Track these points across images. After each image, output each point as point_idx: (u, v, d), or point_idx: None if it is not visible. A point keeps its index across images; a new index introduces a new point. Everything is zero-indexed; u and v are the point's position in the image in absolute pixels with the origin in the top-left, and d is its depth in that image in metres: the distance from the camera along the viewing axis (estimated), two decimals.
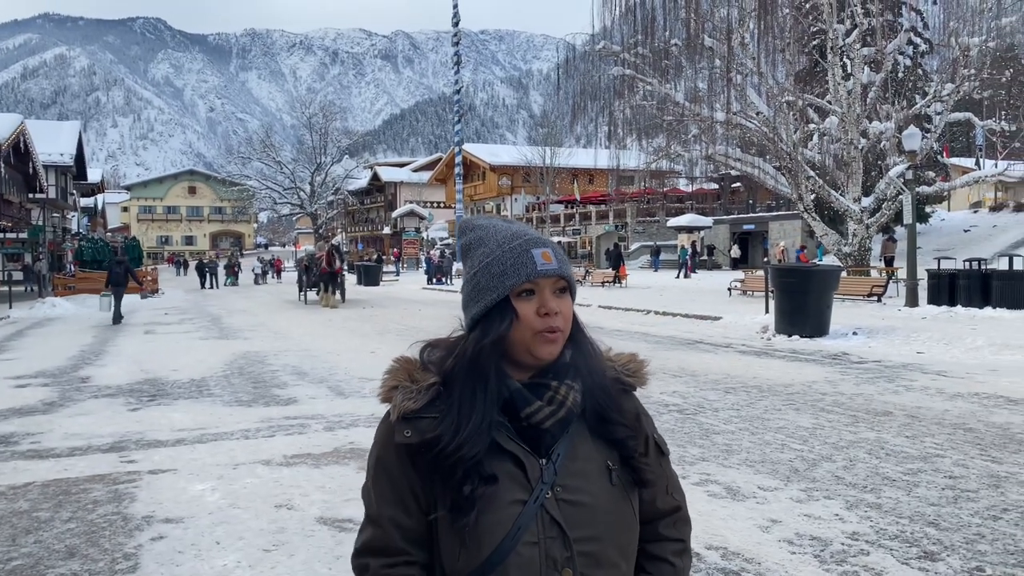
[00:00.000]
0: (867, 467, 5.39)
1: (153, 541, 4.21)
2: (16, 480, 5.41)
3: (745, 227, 43.70)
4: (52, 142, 43.79)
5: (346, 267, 25.08)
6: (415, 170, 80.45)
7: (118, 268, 20.31)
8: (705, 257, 41.62)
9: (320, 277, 23.82)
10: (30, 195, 39.98)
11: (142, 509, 4.75)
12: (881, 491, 4.86)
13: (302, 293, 26.56)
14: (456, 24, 50.99)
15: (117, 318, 19.43)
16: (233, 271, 46.00)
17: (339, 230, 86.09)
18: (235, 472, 5.53)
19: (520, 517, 1.23)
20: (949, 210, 45.39)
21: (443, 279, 37.42)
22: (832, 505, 4.61)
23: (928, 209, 38.18)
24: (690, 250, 37.63)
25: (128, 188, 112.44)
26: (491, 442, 1.24)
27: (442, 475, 1.24)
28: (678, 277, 34.19)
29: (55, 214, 47.71)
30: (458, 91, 54.20)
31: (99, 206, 70.67)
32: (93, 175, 60.89)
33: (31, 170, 36.84)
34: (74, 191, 52.54)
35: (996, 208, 43.80)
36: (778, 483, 5.07)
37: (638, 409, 1.38)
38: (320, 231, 76.08)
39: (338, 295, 23.81)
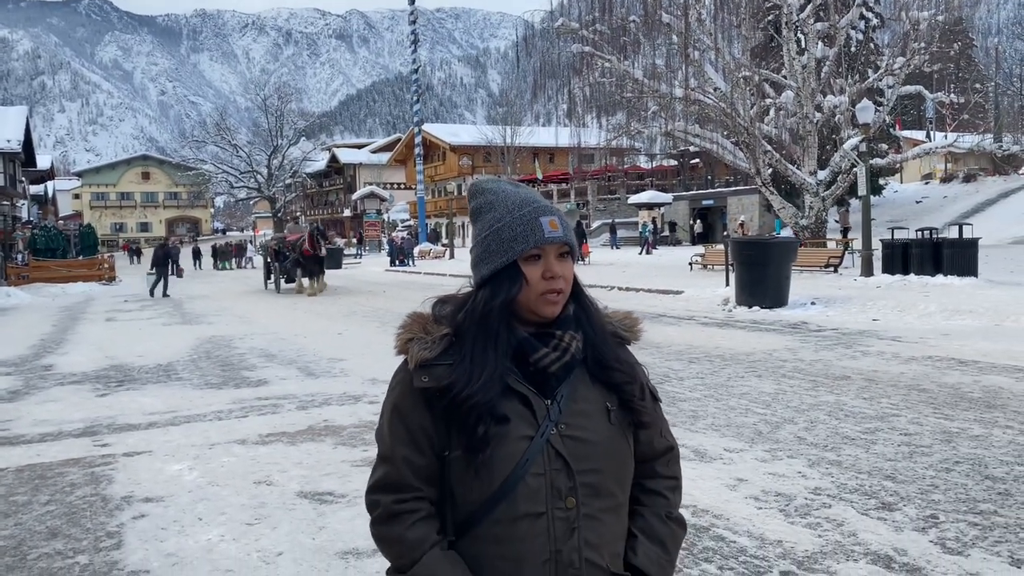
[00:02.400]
0: (827, 428, 5.62)
1: (135, 519, 4.25)
2: None
3: (704, 203, 44.18)
4: None
5: (324, 251, 22.38)
6: (374, 151, 79.76)
7: (160, 251, 24.93)
8: (667, 233, 42.05)
9: (304, 261, 21.46)
10: None
11: (120, 490, 4.78)
12: (841, 449, 5.08)
13: (270, 280, 24.23)
14: (412, 2, 50.47)
15: (156, 292, 23.30)
16: (232, 253, 45.90)
17: (298, 213, 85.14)
18: (211, 452, 5.57)
19: (528, 451, 1.35)
20: (902, 182, 46.37)
21: (405, 261, 37.30)
22: (795, 464, 4.81)
23: (881, 181, 38.98)
24: (651, 226, 38.00)
25: (79, 175, 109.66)
26: (503, 385, 1.36)
27: (458, 417, 1.35)
28: (640, 253, 34.53)
29: (4, 202, 46.47)
30: (416, 70, 53.78)
31: (50, 193, 68.96)
32: (42, 162, 59.43)
33: None
34: (23, 178, 51.18)
35: (946, 179, 44.91)
36: (743, 445, 5.26)
37: (633, 359, 1.52)
38: (279, 215, 75.15)
39: (321, 281, 21.91)
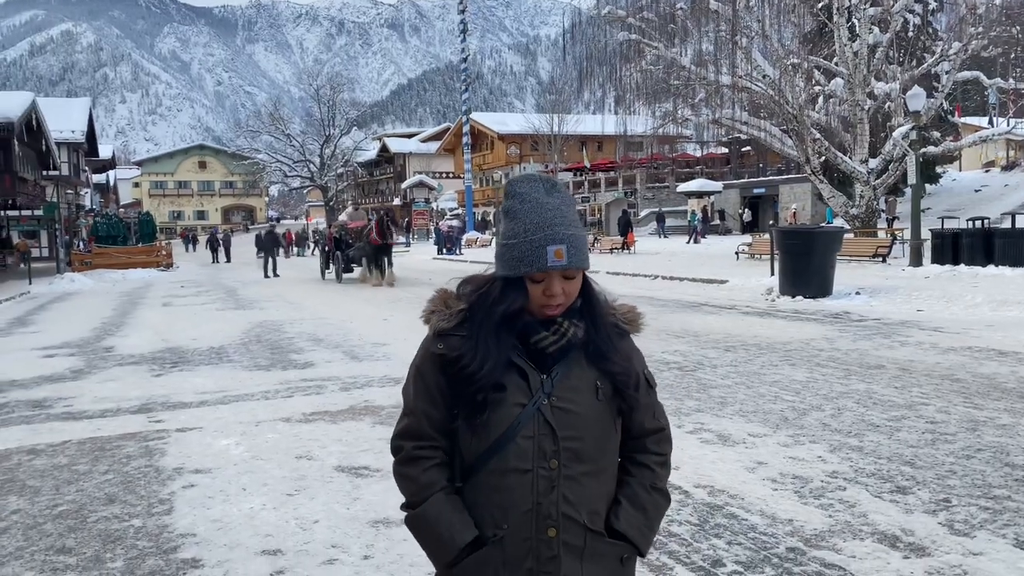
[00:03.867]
0: (854, 415, 5.68)
1: (184, 489, 4.56)
2: (53, 439, 5.78)
3: (755, 191, 43.60)
4: (63, 119, 44.15)
5: (398, 238, 21.79)
6: (423, 140, 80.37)
7: (266, 236, 28.06)
8: (717, 222, 41.64)
9: (371, 250, 20.24)
10: (44, 172, 40.42)
11: (172, 462, 5.11)
12: (864, 436, 5.16)
13: (328, 270, 23.50)
14: None
15: (268, 273, 25.81)
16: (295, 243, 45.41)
17: (349, 202, 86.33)
18: (257, 428, 5.89)
19: (520, 416, 1.56)
20: (961, 170, 45.11)
21: (453, 249, 37.68)
22: (816, 449, 4.91)
23: (939, 169, 38.00)
24: (700, 215, 37.70)
25: (139, 164, 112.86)
26: (505, 360, 1.57)
27: (462, 383, 1.58)
28: (688, 242, 34.32)
29: (68, 191, 48.17)
30: (465, 59, 54.00)
31: (111, 182, 71.18)
32: (104, 151, 61.32)
33: (44, 147, 37.22)
34: (86, 168, 52.97)
35: (1008, 167, 43.52)
36: (767, 430, 5.37)
37: (631, 349, 1.69)
38: (331, 203, 76.32)
39: (390, 271, 20.36)
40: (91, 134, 49.07)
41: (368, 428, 5.78)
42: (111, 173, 70.18)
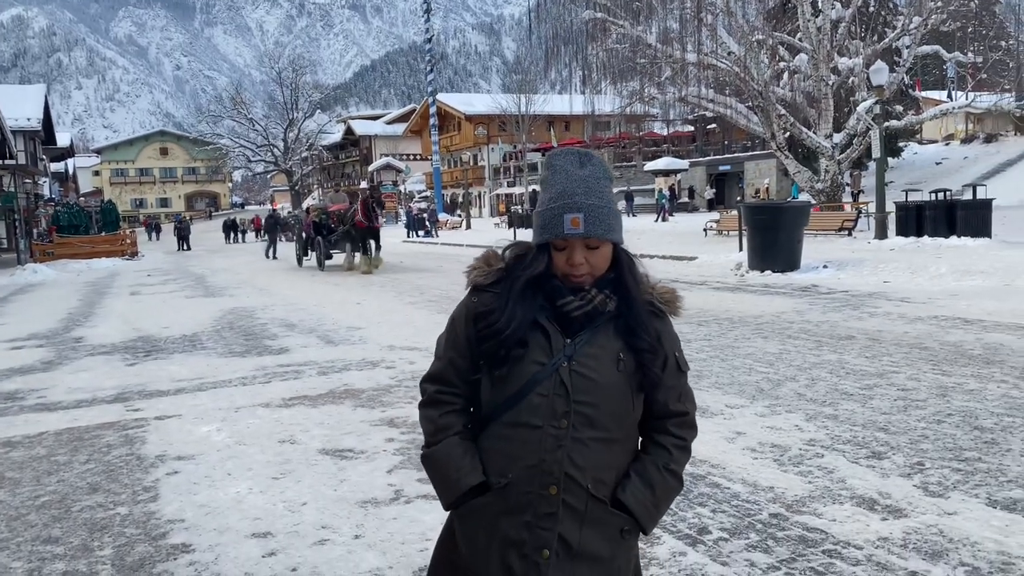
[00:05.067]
0: (827, 384, 5.81)
1: (169, 476, 4.54)
2: (29, 431, 5.71)
3: (721, 168, 43.99)
4: (18, 106, 42.97)
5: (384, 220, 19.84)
6: (389, 122, 79.77)
7: (270, 220, 31.08)
8: (685, 200, 41.94)
9: (356, 234, 19.18)
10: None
11: (154, 450, 5.08)
12: (839, 404, 5.28)
13: (306, 257, 22.18)
14: None
15: (269, 255, 27.75)
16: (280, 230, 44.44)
17: (315, 186, 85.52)
18: (237, 415, 5.86)
19: (538, 374, 1.62)
20: (921, 144, 45.84)
21: (431, 231, 37.41)
22: (792, 418, 5.03)
23: (900, 144, 38.60)
24: (668, 193, 37.94)
25: (98, 151, 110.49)
26: (531, 320, 1.64)
27: (489, 337, 1.65)
28: (656, 221, 34.54)
29: (26, 180, 47.06)
30: (429, 40, 53.61)
31: (70, 171, 69.72)
32: (62, 139, 59.88)
33: None
34: (43, 156, 51.74)
35: (967, 140, 44.34)
36: (744, 401, 5.47)
37: (663, 330, 1.71)
38: (296, 188, 75.53)
39: (378, 256, 19.32)
40: (47, 122, 47.87)
41: (349, 411, 5.79)
42: (70, 161, 68.70)
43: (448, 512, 1.75)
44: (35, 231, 37.88)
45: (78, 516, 3.98)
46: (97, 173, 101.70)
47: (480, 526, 1.64)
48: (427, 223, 38.47)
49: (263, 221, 32.32)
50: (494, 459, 1.65)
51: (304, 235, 22.36)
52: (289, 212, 35.86)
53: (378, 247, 19.25)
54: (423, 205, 45.05)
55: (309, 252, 22.02)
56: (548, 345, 1.63)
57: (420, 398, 1.78)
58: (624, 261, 1.69)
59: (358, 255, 19.45)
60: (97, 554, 3.51)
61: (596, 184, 1.65)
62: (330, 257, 20.97)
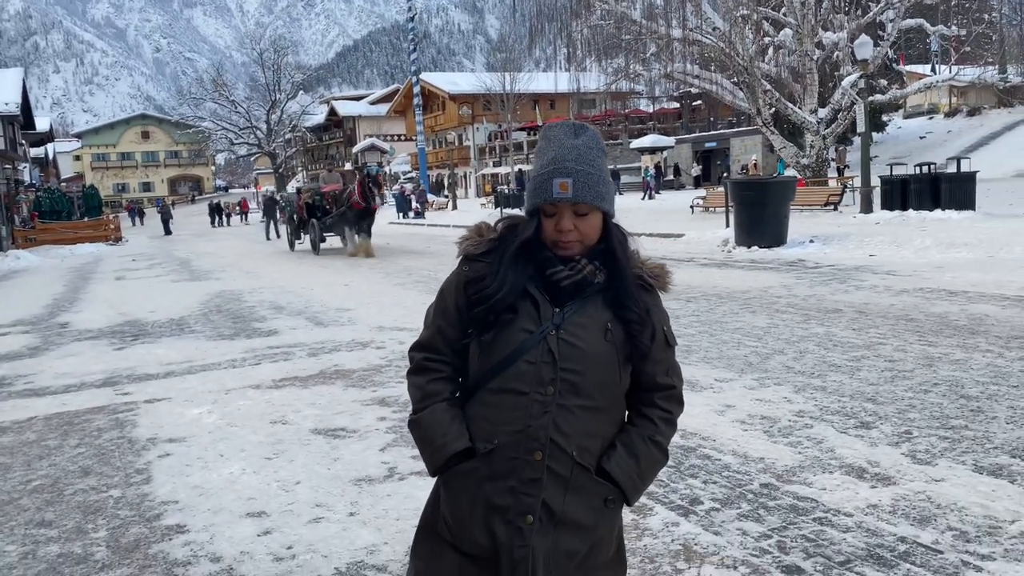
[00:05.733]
0: (815, 357, 5.86)
1: (160, 458, 4.54)
2: (18, 416, 5.68)
3: (707, 145, 43.97)
4: None
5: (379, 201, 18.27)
6: (372, 103, 79.07)
7: (269, 201, 32.11)
8: (671, 177, 41.90)
9: (353, 215, 18.03)
10: None
11: (145, 433, 5.07)
12: (827, 376, 5.33)
13: (299, 241, 21.35)
14: None
15: (269, 236, 29.13)
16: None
17: (299, 168, 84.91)
18: (227, 396, 5.85)
19: (526, 341, 1.63)
20: (905, 118, 45.97)
21: (421, 213, 37.16)
22: (781, 390, 5.07)
23: (884, 118, 38.71)
24: (654, 171, 37.91)
25: (79, 136, 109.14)
26: (521, 287, 1.65)
27: (479, 303, 1.67)
28: (643, 199, 34.54)
29: (6, 166, 46.48)
30: (412, 18, 53.14)
31: (50, 156, 68.79)
32: (41, 124, 59.04)
33: None
34: (23, 141, 51.05)
35: (951, 114, 44.50)
36: (733, 375, 5.51)
37: (652, 303, 1.72)
38: (280, 170, 74.91)
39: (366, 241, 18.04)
40: (26, 106, 47.18)
41: (341, 391, 5.79)
42: (50, 146, 67.78)
43: (435, 483, 1.77)
44: (16, 217, 37.44)
45: (71, 499, 3.97)
46: (78, 158, 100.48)
47: (465, 491, 1.65)
48: (416, 204, 38.26)
49: (263, 203, 33.04)
50: (480, 425, 1.66)
51: (296, 218, 21.31)
52: (280, 195, 35.42)
53: (368, 232, 18.15)
54: (408, 186, 44.75)
55: (302, 235, 21.18)
56: (537, 314, 1.64)
57: (409, 365, 1.79)
58: (615, 234, 1.70)
59: (358, 237, 18.29)
60: (92, 536, 3.51)
61: (588, 153, 1.65)
62: (323, 240, 19.88)
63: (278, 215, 29.82)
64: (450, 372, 1.74)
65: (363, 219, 18.01)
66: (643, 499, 3.47)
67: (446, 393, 1.72)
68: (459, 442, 1.66)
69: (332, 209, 19.21)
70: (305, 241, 20.88)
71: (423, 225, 32.75)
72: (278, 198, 31.64)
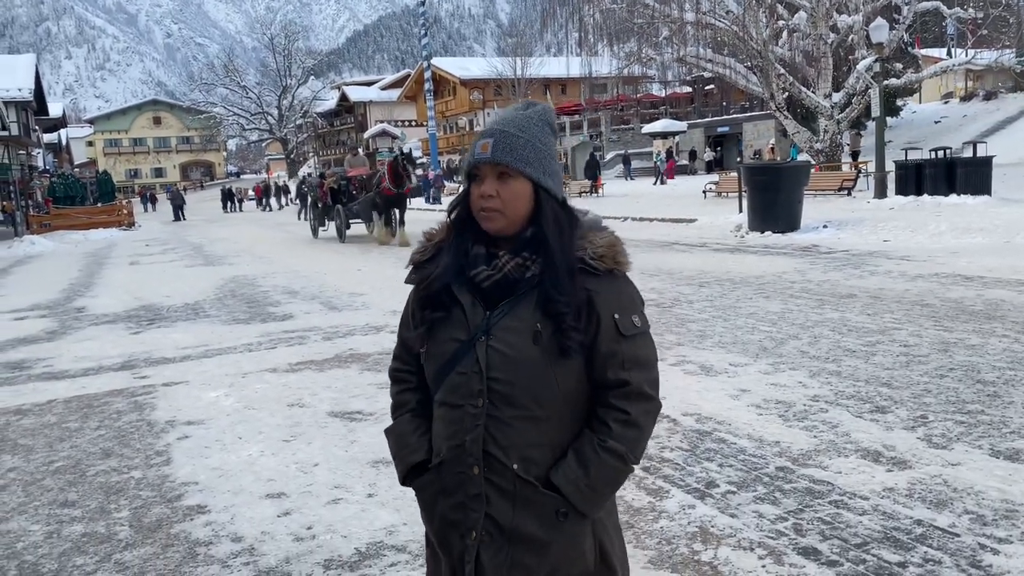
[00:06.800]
0: (830, 342, 5.85)
1: (180, 440, 4.59)
2: (38, 399, 5.76)
3: (720, 130, 43.70)
4: (8, 77, 42.59)
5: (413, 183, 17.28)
6: (383, 88, 78.91)
7: (301, 186, 32.31)
8: (685, 162, 41.66)
9: (383, 201, 16.95)
10: None
11: (164, 415, 5.12)
12: (841, 361, 5.33)
13: (324, 228, 20.33)
14: None
15: (302, 218, 28.68)
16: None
17: (310, 153, 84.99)
18: (244, 380, 5.91)
19: (456, 351, 1.55)
20: (920, 102, 45.52)
21: (439, 198, 37.07)
22: (796, 375, 5.07)
23: (899, 102, 38.31)
24: (664, 156, 37.71)
25: (91, 122, 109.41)
26: (450, 290, 1.57)
27: (418, 304, 1.64)
28: (655, 184, 34.40)
29: (20, 152, 46.71)
30: (422, 3, 52.81)
31: (63, 141, 69.11)
32: (54, 109, 59.33)
33: None
34: (36, 127, 51.28)
35: (966, 98, 44.02)
36: (748, 360, 5.52)
37: (595, 289, 1.53)
38: (291, 156, 75.05)
39: (401, 230, 16.66)
40: (39, 92, 47.39)
41: (356, 375, 5.83)
42: (63, 132, 68.08)
43: None
44: (29, 203, 37.66)
45: (93, 480, 4.03)
46: (91, 144, 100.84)
47: (426, 505, 1.62)
48: (433, 189, 38.21)
49: (295, 187, 34.19)
50: (434, 438, 1.62)
51: (320, 204, 20.28)
52: (303, 179, 35.61)
53: (402, 220, 16.82)
54: (436, 171, 44.56)
55: (326, 222, 20.31)
56: (466, 320, 1.55)
57: None
58: (547, 215, 1.54)
59: (388, 225, 17.18)
60: (114, 516, 3.56)
61: (525, 122, 1.57)
62: (349, 227, 18.87)
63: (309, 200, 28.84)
64: (416, 382, 1.69)
65: (395, 205, 16.85)
66: (659, 482, 3.50)
67: (412, 403, 1.68)
68: (416, 455, 1.62)
69: (358, 194, 18.24)
70: (330, 228, 20.01)
71: (435, 210, 32.74)
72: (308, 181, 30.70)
